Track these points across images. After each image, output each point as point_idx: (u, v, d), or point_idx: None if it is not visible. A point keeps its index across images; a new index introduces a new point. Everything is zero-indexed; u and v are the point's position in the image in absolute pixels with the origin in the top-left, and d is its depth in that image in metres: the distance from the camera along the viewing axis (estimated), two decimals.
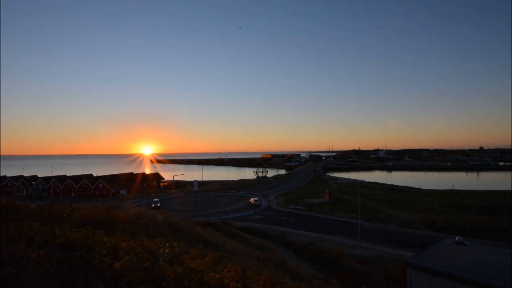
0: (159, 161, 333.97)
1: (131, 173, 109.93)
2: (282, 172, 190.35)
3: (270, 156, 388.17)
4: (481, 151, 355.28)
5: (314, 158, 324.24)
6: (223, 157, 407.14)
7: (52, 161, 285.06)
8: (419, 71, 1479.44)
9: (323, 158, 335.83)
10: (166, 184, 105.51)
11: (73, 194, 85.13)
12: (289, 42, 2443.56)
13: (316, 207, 64.32)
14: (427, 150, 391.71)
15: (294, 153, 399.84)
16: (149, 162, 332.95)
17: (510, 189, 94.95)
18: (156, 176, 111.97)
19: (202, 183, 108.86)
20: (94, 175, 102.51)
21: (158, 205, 63.03)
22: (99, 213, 8.58)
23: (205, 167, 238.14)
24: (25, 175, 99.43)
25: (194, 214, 56.19)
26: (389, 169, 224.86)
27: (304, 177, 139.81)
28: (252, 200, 69.61)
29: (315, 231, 45.49)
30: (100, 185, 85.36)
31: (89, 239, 5.45)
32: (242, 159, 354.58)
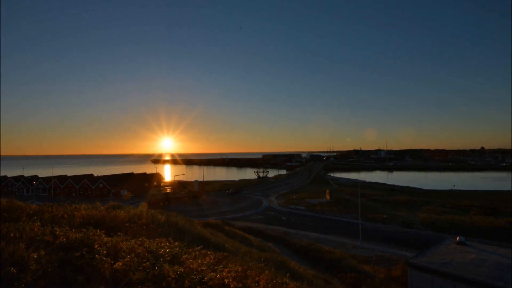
0: (158, 162, 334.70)
1: (132, 173, 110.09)
2: (283, 172, 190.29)
3: (271, 156, 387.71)
4: (482, 151, 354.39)
5: (315, 158, 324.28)
6: (224, 157, 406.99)
7: (53, 161, 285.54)
8: (419, 71, 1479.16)
9: (324, 158, 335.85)
10: (167, 184, 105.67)
11: (73, 194, 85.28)
12: (290, 42, 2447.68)
13: (317, 207, 64.34)
14: (428, 150, 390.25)
15: (295, 153, 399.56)
16: (150, 162, 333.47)
17: (510, 189, 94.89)
18: (157, 176, 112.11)
19: (202, 183, 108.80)
20: (95, 175, 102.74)
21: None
22: (99, 213, 8.57)
23: (205, 167, 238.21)
24: (25, 175, 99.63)
25: (195, 214, 56.29)
26: (390, 169, 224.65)
27: (305, 177, 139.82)
28: None
29: (316, 231, 45.53)
30: (101, 185, 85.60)
31: (90, 239, 5.44)
32: (243, 159, 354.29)
